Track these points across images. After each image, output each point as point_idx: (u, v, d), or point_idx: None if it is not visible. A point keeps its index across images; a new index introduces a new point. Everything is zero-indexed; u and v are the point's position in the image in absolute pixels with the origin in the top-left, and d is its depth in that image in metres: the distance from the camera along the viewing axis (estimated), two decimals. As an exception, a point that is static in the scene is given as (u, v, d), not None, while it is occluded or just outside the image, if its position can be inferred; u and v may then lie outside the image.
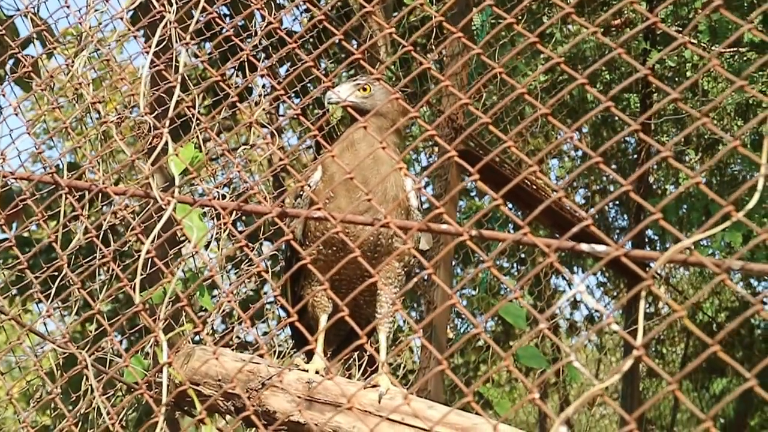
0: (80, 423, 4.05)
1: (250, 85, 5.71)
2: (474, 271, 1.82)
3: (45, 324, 3.88)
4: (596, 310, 9.39)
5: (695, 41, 6.75)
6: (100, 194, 4.39)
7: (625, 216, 8.65)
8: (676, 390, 1.46)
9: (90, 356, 2.10)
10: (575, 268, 9.01)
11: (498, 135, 1.75)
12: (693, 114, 1.57)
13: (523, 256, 8.45)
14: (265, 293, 5.75)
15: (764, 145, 1.50)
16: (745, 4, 6.17)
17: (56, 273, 3.49)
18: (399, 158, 1.84)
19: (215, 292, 4.95)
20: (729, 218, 1.49)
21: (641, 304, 1.56)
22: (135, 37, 2.25)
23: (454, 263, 6.98)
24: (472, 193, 8.74)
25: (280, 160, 2.97)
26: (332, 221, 1.84)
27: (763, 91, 6.41)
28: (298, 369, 3.52)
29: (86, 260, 4.40)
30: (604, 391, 1.54)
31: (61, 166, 2.67)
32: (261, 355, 3.28)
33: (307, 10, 6.21)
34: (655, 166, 8.32)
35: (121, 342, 4.64)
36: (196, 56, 2.16)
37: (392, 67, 5.93)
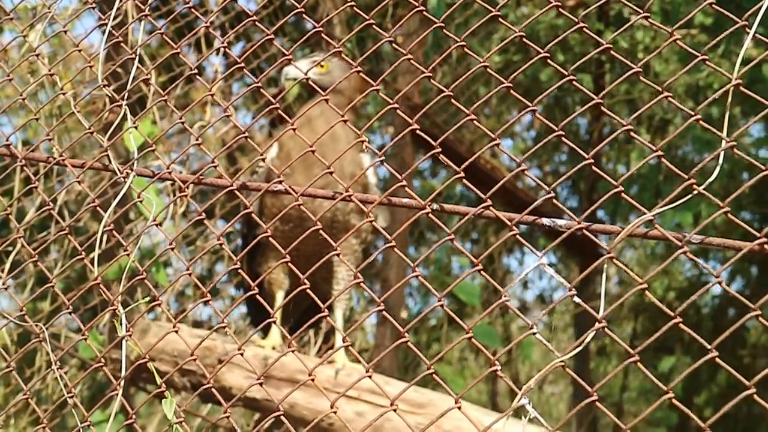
0: (33, 399, 4.02)
1: (204, 64, 5.67)
2: (436, 245, 1.83)
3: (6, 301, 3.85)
4: (547, 289, 9.45)
5: (647, 23, 6.79)
6: (54, 170, 4.36)
7: (576, 197, 8.72)
8: (638, 362, 1.48)
9: (41, 331, 2.08)
10: (525, 248, 9.06)
11: (459, 108, 1.76)
12: (656, 89, 1.58)
13: (475, 236, 8.49)
14: (220, 272, 5.73)
15: (725, 117, 1.52)
16: (698, -14, 6.23)
17: (10, 249, 3.46)
18: (360, 133, 1.84)
19: (169, 270, 4.92)
20: (690, 192, 1.50)
21: (603, 276, 1.57)
22: (93, 8, 2.23)
23: (408, 243, 7.00)
24: (425, 174, 8.76)
25: (235, 137, 2.95)
26: (293, 194, 1.83)
27: (713, 72, 6.47)
28: (255, 345, 3.53)
29: (39, 236, 4.36)
30: (565, 363, 1.56)
31: (14, 141, 2.64)
32: (218, 331, 3.28)
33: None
34: (607, 147, 8.37)
35: (71, 322, 4.61)
36: (152, 32, 2.14)
37: (348, 46, 5.92)
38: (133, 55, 2.12)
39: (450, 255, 7.57)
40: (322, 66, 3.42)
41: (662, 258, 8.27)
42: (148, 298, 1.99)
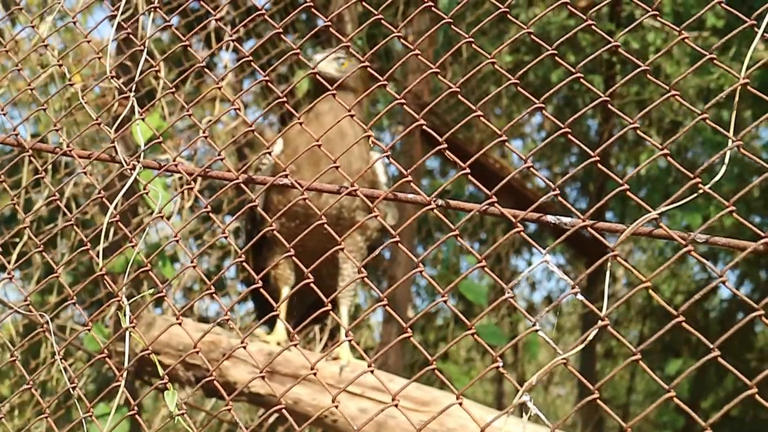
0: (37, 390, 4.03)
1: (215, 60, 5.68)
2: (440, 241, 1.82)
3: (6, 293, 3.86)
4: (555, 290, 9.44)
5: (659, 25, 6.79)
6: (63, 163, 4.37)
7: (586, 198, 8.71)
8: (640, 361, 1.47)
9: (44, 321, 2.08)
10: (533, 250, 9.05)
11: (467, 104, 1.75)
12: (663, 88, 1.58)
13: (483, 236, 8.48)
14: (231, 268, 5.74)
15: (732, 116, 1.51)
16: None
17: (16, 240, 3.47)
18: (367, 128, 1.84)
19: (177, 266, 4.94)
20: (696, 191, 1.50)
21: (607, 275, 1.57)
22: (102, 0, 2.23)
23: (416, 242, 7.00)
24: (435, 173, 8.77)
25: (245, 133, 2.95)
26: (298, 188, 1.83)
27: (724, 75, 6.46)
28: (260, 340, 3.54)
29: (47, 228, 4.37)
30: (567, 360, 1.55)
31: (23, 131, 2.64)
32: (222, 325, 3.28)
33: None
34: (616, 148, 8.36)
35: (76, 314, 4.62)
36: (162, 27, 2.15)
37: (359, 43, 5.92)
38: (142, 47, 2.12)
39: (458, 254, 7.57)
40: (342, 64, 3.42)
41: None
42: (152, 290, 1.99)
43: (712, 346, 1.40)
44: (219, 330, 3.51)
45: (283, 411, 1.75)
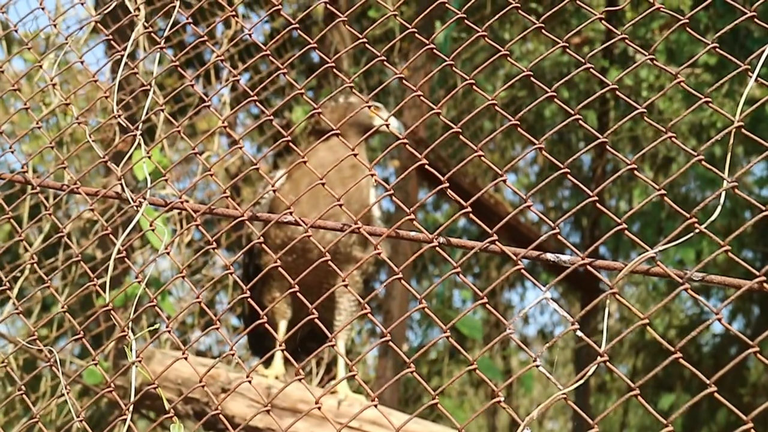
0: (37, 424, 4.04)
1: (209, 93, 5.72)
2: (443, 277, 1.86)
3: (6, 326, 3.88)
4: (548, 324, 9.47)
5: (653, 59, 6.84)
6: (62, 198, 4.40)
7: (579, 233, 8.73)
8: (638, 396, 1.51)
9: (52, 356, 2.11)
10: (526, 284, 9.09)
11: (467, 143, 1.79)
12: (659, 129, 1.62)
13: (477, 270, 8.51)
14: (221, 302, 5.75)
15: (727, 157, 1.55)
16: (701, 26, 6.29)
17: (17, 275, 3.49)
18: (370, 167, 1.88)
19: (170, 299, 4.95)
20: (692, 230, 1.54)
21: (605, 312, 1.60)
22: (109, 40, 2.27)
23: (411, 276, 7.03)
24: (428, 207, 8.79)
25: (240, 167, 2.98)
26: (303, 225, 1.87)
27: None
28: (259, 374, 3.56)
29: (46, 263, 4.39)
30: (567, 396, 1.58)
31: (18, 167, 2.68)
32: (222, 359, 3.30)
33: (271, 19, 6.22)
34: (610, 184, 8.41)
35: (74, 348, 4.63)
36: (161, 62, 2.18)
37: (355, 80, 5.96)
38: (147, 87, 2.16)
39: (452, 288, 7.59)
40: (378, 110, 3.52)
41: (663, 295, 8.30)
42: (156, 326, 2.02)
43: (708, 382, 1.43)
44: (217, 363, 3.53)
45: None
